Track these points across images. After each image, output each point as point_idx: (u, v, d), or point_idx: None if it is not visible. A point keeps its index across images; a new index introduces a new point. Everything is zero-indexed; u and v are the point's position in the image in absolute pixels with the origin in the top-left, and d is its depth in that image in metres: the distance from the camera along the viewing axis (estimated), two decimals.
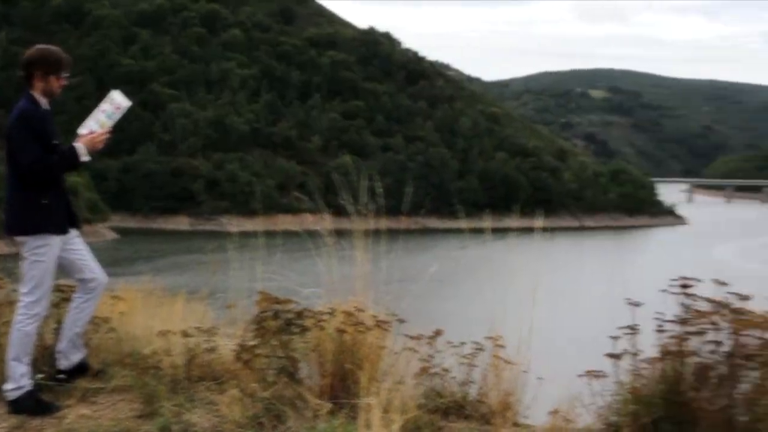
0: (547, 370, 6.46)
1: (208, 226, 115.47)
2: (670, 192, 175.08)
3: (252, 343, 6.49)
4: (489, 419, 6.09)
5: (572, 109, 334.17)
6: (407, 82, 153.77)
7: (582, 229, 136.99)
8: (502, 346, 6.25)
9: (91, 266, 6.97)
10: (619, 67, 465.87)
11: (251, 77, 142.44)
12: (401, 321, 6.51)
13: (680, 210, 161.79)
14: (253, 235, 8.06)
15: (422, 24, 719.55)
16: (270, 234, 8.11)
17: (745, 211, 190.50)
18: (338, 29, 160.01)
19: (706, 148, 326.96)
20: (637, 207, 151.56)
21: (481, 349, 6.33)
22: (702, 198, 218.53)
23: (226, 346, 6.93)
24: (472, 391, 6.32)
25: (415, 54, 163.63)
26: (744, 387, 5.32)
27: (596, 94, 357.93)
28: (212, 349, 6.94)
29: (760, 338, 5.34)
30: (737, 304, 5.46)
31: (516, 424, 6.06)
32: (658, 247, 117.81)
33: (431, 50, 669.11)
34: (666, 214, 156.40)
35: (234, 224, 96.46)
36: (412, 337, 6.40)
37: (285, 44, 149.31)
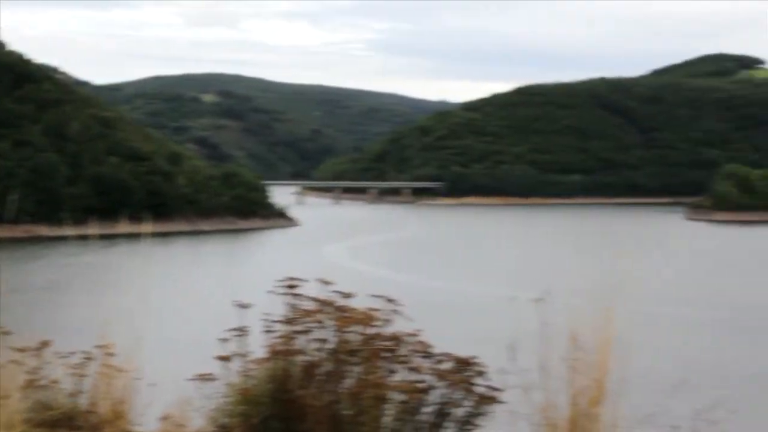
0: (161, 375, 6.45)
1: None
2: (281, 194, 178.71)
3: None
4: (99, 428, 6.00)
5: (184, 114, 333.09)
6: (13, 85, 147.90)
7: (197, 233, 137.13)
8: (112, 354, 6.18)
9: None
10: (230, 72, 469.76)
11: None
12: (6, 333, 6.30)
13: (292, 212, 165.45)
14: None
15: (31, 26, 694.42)
16: None
17: (353, 211, 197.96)
18: None
19: (315, 151, 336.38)
20: (250, 210, 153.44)
21: (90, 358, 6.23)
22: (312, 200, 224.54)
23: None
24: (83, 401, 6.20)
25: (20, 56, 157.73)
26: (348, 382, 5.55)
27: (208, 98, 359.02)
28: None
29: (362, 334, 5.57)
30: (341, 302, 5.68)
31: None
32: (270, 249, 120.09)
33: (41, 53, 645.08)
34: (278, 216, 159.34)
35: None
36: (17, 350, 6.20)
37: None
